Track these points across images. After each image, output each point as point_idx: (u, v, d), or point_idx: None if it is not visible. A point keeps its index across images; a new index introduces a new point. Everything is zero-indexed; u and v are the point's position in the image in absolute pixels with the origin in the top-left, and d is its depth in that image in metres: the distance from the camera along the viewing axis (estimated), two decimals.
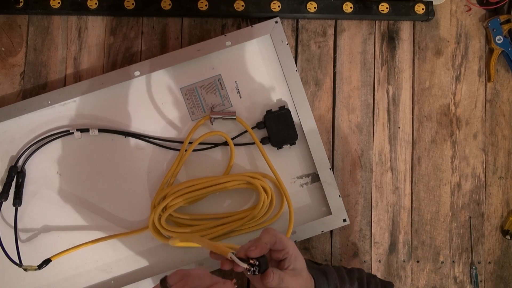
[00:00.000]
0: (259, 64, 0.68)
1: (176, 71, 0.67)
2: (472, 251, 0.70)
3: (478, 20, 0.73)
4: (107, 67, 0.69)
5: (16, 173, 0.64)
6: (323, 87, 0.70)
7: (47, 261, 0.61)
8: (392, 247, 0.69)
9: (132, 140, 0.66)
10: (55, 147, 0.66)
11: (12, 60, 0.69)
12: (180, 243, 0.57)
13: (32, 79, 0.69)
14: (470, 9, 0.73)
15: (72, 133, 0.65)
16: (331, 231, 0.68)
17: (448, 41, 0.72)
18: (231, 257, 0.43)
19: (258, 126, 0.66)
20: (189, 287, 0.40)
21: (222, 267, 0.44)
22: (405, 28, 0.72)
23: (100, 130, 0.66)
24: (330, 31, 0.71)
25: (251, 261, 0.43)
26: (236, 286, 0.42)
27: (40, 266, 0.60)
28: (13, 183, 0.64)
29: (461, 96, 0.72)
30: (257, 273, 0.43)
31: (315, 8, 0.69)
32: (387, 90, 0.71)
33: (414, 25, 0.72)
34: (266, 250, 0.44)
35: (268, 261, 0.44)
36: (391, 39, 0.72)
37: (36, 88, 0.69)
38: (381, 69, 0.71)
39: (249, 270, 0.43)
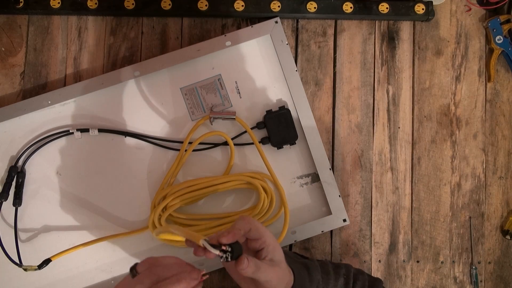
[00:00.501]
0: (259, 64, 0.68)
1: (176, 71, 0.67)
2: (472, 251, 0.70)
3: (478, 20, 0.73)
4: (107, 67, 0.69)
5: (16, 173, 0.64)
6: (323, 87, 0.70)
7: (47, 261, 0.61)
8: (392, 247, 0.69)
9: (132, 140, 0.66)
10: (55, 147, 0.66)
11: (12, 60, 0.69)
12: (162, 236, 0.57)
13: (32, 79, 0.69)
14: (470, 9, 0.73)
15: (72, 133, 0.65)
16: (331, 231, 0.68)
17: (448, 41, 0.72)
18: (203, 244, 0.41)
19: (258, 126, 0.66)
20: (155, 276, 0.40)
21: (195, 253, 0.43)
22: (405, 28, 0.72)
23: (100, 130, 0.66)
24: (330, 31, 0.71)
25: (223, 247, 0.41)
26: (204, 278, 0.41)
27: (40, 266, 0.60)
28: (13, 183, 0.64)
29: (461, 96, 0.72)
30: (229, 259, 0.41)
31: (315, 8, 0.69)
32: (387, 90, 0.71)
33: (414, 25, 0.72)
34: (239, 237, 0.43)
35: (241, 248, 0.42)
36: (391, 39, 0.72)
37: (36, 88, 0.69)
38: (381, 69, 0.71)
39: (221, 256, 0.41)
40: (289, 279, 0.47)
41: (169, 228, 0.51)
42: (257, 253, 0.45)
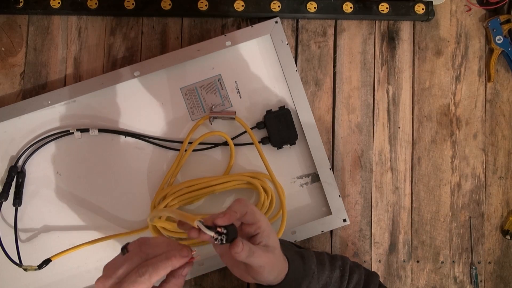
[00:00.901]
0: (259, 64, 0.68)
1: (176, 71, 0.67)
2: (472, 251, 0.70)
3: (478, 20, 0.73)
4: (107, 67, 0.69)
5: (16, 173, 0.64)
6: (323, 87, 0.70)
7: (47, 261, 0.61)
8: (392, 247, 0.69)
9: (132, 140, 0.66)
10: (55, 147, 0.66)
11: (12, 60, 0.69)
12: (156, 222, 0.57)
13: (32, 79, 0.69)
14: (470, 9, 0.73)
15: (72, 133, 0.65)
16: (331, 231, 0.68)
17: (448, 41, 0.72)
18: (197, 225, 0.40)
19: (258, 126, 0.66)
20: (144, 253, 0.40)
21: (189, 235, 0.42)
22: (405, 28, 0.72)
23: (100, 130, 0.66)
24: (330, 31, 0.71)
25: (218, 229, 0.40)
26: (195, 258, 0.41)
27: (40, 266, 0.60)
28: (13, 183, 0.64)
29: (461, 96, 0.72)
30: (224, 242, 0.40)
31: (315, 8, 0.69)
32: (387, 90, 0.71)
33: (414, 25, 0.72)
34: (235, 219, 0.42)
35: (237, 231, 0.41)
36: (391, 39, 0.72)
37: (36, 88, 0.69)
38: (381, 69, 0.71)
39: (216, 239, 0.40)
40: (283, 266, 0.46)
41: (162, 212, 0.50)
42: (251, 239, 0.44)
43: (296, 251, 0.52)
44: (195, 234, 0.41)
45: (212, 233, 0.40)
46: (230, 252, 0.40)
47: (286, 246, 0.51)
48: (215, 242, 0.40)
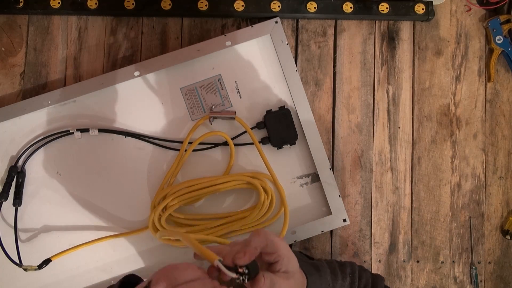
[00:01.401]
0: (259, 64, 0.68)
1: (176, 71, 0.67)
2: (472, 251, 0.70)
3: (478, 20, 0.73)
4: (107, 67, 0.69)
5: (16, 173, 0.64)
6: (323, 87, 0.70)
7: (47, 261, 0.61)
8: (392, 247, 0.69)
9: (132, 140, 0.66)
10: (55, 147, 0.66)
11: (12, 60, 0.69)
12: (167, 239, 0.56)
13: (32, 79, 0.69)
14: (470, 9, 0.73)
15: (72, 133, 0.65)
16: (331, 231, 0.68)
17: (448, 41, 0.72)
18: (217, 265, 0.38)
19: (258, 126, 0.66)
20: None
21: (208, 273, 0.40)
22: (405, 28, 0.72)
23: (100, 130, 0.66)
24: (330, 31, 0.71)
25: (240, 270, 0.38)
26: None
27: (40, 266, 0.60)
28: (13, 183, 0.64)
29: (461, 96, 0.72)
30: (246, 281, 0.39)
31: (315, 8, 0.69)
32: (387, 90, 0.71)
33: (414, 25, 0.72)
34: (256, 255, 0.40)
35: (258, 266, 0.40)
36: (391, 39, 0.72)
37: (36, 88, 0.69)
38: (381, 69, 0.71)
39: (237, 279, 0.38)
40: (302, 285, 0.46)
41: (178, 236, 0.47)
42: (270, 265, 0.43)
43: (310, 264, 0.52)
44: (214, 272, 0.40)
45: (233, 275, 0.38)
46: (252, 287, 0.39)
47: (300, 259, 0.50)
48: (237, 281, 0.39)
